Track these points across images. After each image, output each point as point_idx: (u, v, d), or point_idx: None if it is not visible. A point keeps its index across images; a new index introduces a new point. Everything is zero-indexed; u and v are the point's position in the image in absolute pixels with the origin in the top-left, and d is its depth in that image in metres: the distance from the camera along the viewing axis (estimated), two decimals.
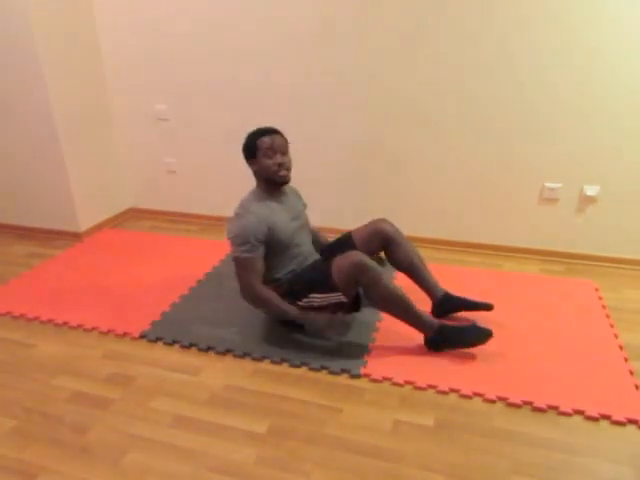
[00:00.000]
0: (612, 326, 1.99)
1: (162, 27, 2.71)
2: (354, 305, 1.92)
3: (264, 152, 1.84)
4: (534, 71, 2.27)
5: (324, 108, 2.63)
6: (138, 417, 1.58)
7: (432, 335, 1.82)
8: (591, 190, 2.39)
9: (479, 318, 2.03)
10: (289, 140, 1.94)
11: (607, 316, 2.06)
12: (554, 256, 2.57)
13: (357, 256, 1.74)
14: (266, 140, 1.86)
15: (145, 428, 1.54)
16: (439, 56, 2.36)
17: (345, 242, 2.02)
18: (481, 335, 1.79)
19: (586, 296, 2.21)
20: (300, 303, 1.84)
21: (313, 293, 1.82)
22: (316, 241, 2.14)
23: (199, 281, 2.38)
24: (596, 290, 2.26)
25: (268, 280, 1.88)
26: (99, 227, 3.00)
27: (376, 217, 2.08)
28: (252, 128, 2.77)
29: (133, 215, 3.25)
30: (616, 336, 1.93)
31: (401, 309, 1.78)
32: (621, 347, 1.86)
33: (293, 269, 1.91)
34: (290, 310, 1.84)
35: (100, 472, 1.40)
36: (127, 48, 2.82)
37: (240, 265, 1.82)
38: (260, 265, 1.83)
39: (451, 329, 1.82)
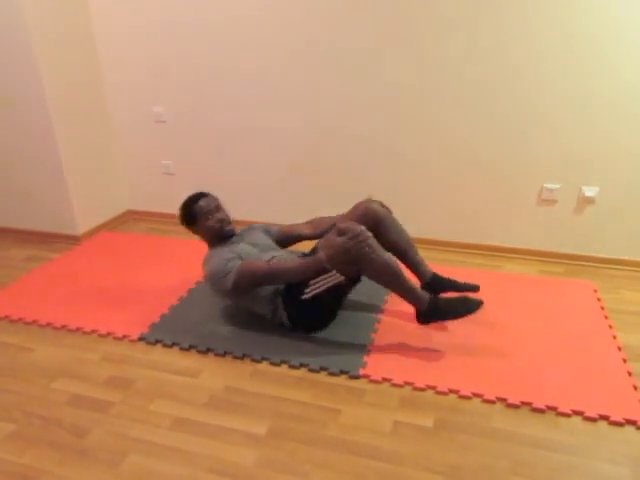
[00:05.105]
0: (611, 327, 2.00)
1: (160, 29, 2.71)
2: (353, 278, 1.87)
3: (204, 216, 1.97)
4: (534, 72, 2.28)
5: (324, 109, 2.63)
6: (138, 420, 1.58)
7: (424, 308, 1.82)
8: (590, 191, 2.40)
9: (480, 314, 2.03)
10: None
11: (606, 317, 2.06)
12: (553, 257, 2.57)
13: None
14: (202, 204, 1.98)
15: (145, 431, 1.54)
16: (438, 56, 2.37)
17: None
18: (471, 305, 1.81)
19: (585, 297, 2.22)
20: (304, 297, 1.79)
21: (310, 280, 1.78)
22: (305, 236, 2.14)
23: (198, 282, 2.38)
24: (595, 291, 2.26)
25: (265, 295, 1.90)
26: (97, 230, 3.00)
27: None
28: (249, 130, 2.80)
29: (131, 217, 3.25)
30: (615, 337, 1.93)
31: (395, 279, 1.78)
32: (620, 348, 1.87)
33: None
34: (313, 260, 1.77)
35: (100, 475, 1.39)
36: (124, 51, 2.82)
37: (239, 283, 1.85)
38: (248, 262, 1.87)
39: (442, 301, 1.83)
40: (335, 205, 2.76)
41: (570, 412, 1.57)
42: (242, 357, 1.86)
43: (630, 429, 1.51)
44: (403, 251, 2.00)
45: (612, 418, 1.54)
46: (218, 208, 2.01)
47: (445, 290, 1.99)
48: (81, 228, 2.88)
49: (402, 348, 1.88)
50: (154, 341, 1.96)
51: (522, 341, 1.91)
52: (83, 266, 2.60)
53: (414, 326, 2.00)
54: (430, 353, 1.84)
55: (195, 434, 1.52)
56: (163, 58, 2.77)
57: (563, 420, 1.55)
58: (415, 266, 2.01)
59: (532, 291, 2.27)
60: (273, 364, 1.82)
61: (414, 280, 1.92)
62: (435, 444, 1.47)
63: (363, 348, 1.88)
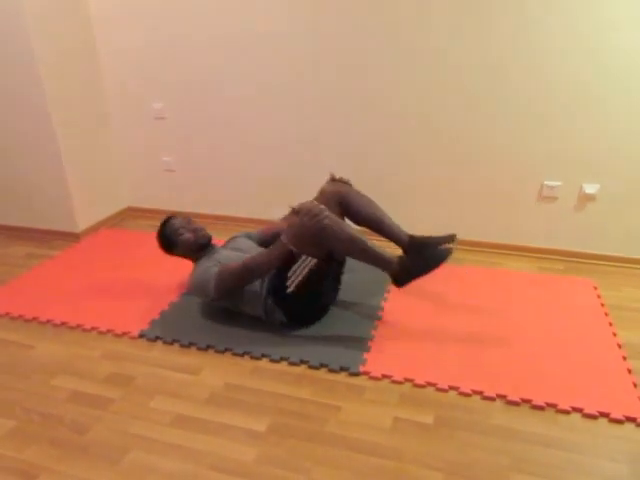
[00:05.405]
0: (611, 324, 2.00)
1: (159, 25, 2.70)
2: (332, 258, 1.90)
3: (178, 231, 2.03)
4: (534, 70, 2.27)
5: (325, 104, 2.62)
6: (138, 417, 1.59)
7: (395, 271, 1.81)
8: (590, 188, 2.39)
9: (480, 311, 2.04)
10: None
11: (606, 314, 2.06)
12: (553, 254, 2.57)
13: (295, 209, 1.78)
14: (173, 222, 2.07)
15: (145, 427, 1.54)
16: (439, 54, 2.36)
17: None
18: (441, 255, 1.81)
19: (585, 294, 2.22)
20: (288, 290, 1.82)
21: (287, 272, 1.81)
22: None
23: None
24: (595, 288, 2.26)
25: (256, 296, 1.92)
26: (97, 227, 3.00)
27: None
28: (250, 126, 2.79)
29: (131, 214, 3.25)
30: (615, 334, 1.93)
31: (360, 249, 1.78)
32: (619, 345, 1.87)
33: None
34: (277, 245, 1.80)
35: (100, 472, 1.40)
36: (124, 47, 2.82)
37: (220, 287, 1.88)
38: (224, 265, 1.91)
39: (410, 259, 1.83)
40: None
41: (570, 409, 1.57)
42: (242, 354, 1.86)
43: (630, 426, 1.52)
44: (377, 222, 2.01)
45: (612, 415, 1.54)
46: (189, 222, 2.08)
47: (427, 249, 1.95)
48: (81, 225, 2.88)
49: (402, 345, 1.88)
50: (154, 338, 1.96)
51: (522, 338, 1.91)
52: (83, 263, 2.60)
53: (414, 323, 2.01)
54: (430, 350, 1.84)
55: (195, 431, 1.53)
56: (163, 54, 2.77)
57: (563, 417, 1.55)
58: (392, 234, 2.01)
59: (532, 288, 2.27)
60: (273, 361, 1.82)
61: (396, 250, 1.93)
62: (435, 441, 1.47)
63: (363, 345, 1.88)
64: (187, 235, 2.03)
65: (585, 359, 1.79)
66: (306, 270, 1.78)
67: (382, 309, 2.11)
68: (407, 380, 1.71)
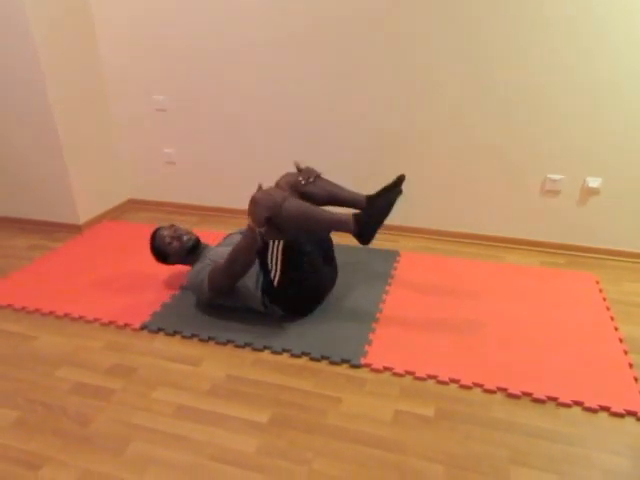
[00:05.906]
0: (612, 319, 1.99)
1: (160, 17, 2.68)
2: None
3: (168, 241, 2.11)
4: (538, 63, 2.26)
5: (326, 97, 2.61)
6: (140, 407, 1.60)
7: (354, 228, 1.82)
8: (594, 182, 2.38)
9: (481, 305, 2.04)
10: None
11: (607, 309, 2.06)
12: (555, 248, 2.57)
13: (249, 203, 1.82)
14: (161, 234, 2.14)
15: (147, 418, 1.55)
16: (441, 48, 2.35)
17: None
18: (391, 197, 1.84)
19: (587, 288, 2.21)
20: (275, 284, 1.83)
21: (267, 260, 1.83)
22: None
23: None
24: (597, 283, 2.26)
25: (253, 294, 1.94)
26: (99, 219, 3.00)
27: None
28: (251, 118, 2.78)
29: (132, 207, 3.25)
30: (616, 329, 1.93)
31: (314, 219, 1.81)
32: (621, 340, 1.87)
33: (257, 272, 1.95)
34: (247, 233, 1.82)
35: (103, 462, 1.41)
36: (125, 38, 2.80)
37: (213, 284, 1.92)
38: (215, 263, 1.95)
39: (364, 213, 1.84)
40: None
41: (570, 403, 1.57)
42: (243, 346, 1.86)
43: (630, 420, 1.52)
44: (335, 196, 2.03)
45: (612, 409, 1.54)
46: (175, 230, 2.14)
47: (380, 199, 1.95)
48: (83, 217, 2.88)
49: (403, 338, 1.88)
50: (156, 329, 1.96)
51: (523, 332, 1.91)
52: (85, 255, 2.60)
53: (415, 316, 2.01)
54: (431, 343, 1.85)
55: (197, 422, 1.53)
56: (163, 46, 2.75)
57: (563, 410, 1.56)
58: (352, 202, 2.03)
59: (534, 282, 2.26)
60: (274, 353, 1.83)
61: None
62: (436, 433, 1.48)
63: (364, 337, 1.88)
64: (174, 244, 2.11)
65: (586, 353, 1.79)
66: (280, 257, 1.81)
67: (383, 301, 2.11)
68: (408, 373, 1.71)
